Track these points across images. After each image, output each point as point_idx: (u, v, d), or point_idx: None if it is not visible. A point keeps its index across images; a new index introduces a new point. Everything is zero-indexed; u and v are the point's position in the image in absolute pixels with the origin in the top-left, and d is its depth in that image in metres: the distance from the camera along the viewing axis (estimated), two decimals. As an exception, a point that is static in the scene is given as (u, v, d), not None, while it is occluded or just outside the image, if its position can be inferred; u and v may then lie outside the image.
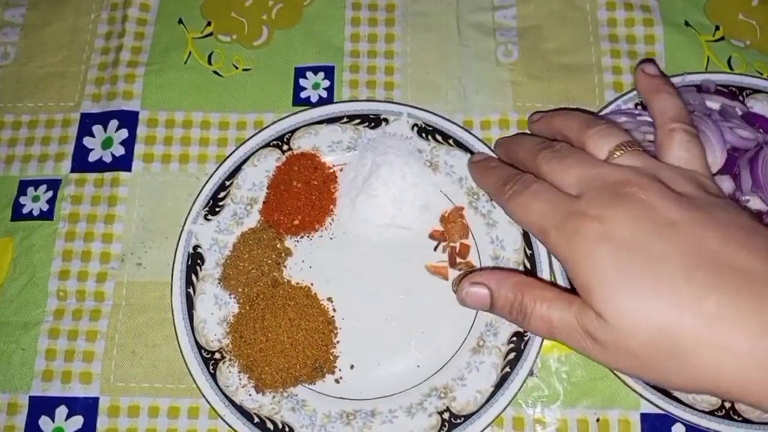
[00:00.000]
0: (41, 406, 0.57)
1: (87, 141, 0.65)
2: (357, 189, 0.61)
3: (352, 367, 0.57)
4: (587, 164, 0.47)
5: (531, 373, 0.55)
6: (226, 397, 0.55)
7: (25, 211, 0.63)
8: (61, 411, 0.57)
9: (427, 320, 0.58)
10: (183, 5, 0.70)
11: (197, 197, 0.61)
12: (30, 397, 0.57)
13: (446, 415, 0.54)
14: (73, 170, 0.64)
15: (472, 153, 0.61)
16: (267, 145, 0.62)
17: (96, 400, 0.57)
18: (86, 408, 0.57)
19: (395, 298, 0.59)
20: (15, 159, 0.65)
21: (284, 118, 0.63)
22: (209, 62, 0.68)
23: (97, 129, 0.66)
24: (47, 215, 0.63)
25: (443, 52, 0.67)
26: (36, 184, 0.64)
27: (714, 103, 0.60)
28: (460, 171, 0.61)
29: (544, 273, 0.57)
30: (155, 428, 0.57)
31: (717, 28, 0.67)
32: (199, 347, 0.57)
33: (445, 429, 0.54)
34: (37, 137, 0.66)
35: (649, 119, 0.59)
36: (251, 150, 0.62)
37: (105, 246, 0.62)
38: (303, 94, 0.66)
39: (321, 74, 0.67)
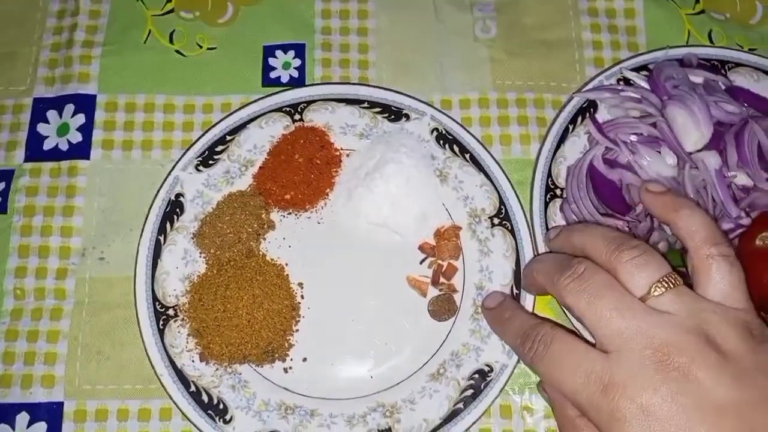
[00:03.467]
0: (0, 414, 0.54)
1: (41, 128, 0.61)
2: (358, 180, 0.58)
3: (304, 359, 0.54)
4: (626, 312, 0.40)
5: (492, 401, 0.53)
6: (169, 357, 0.53)
7: (-25, 204, 0.59)
8: (22, 418, 0.54)
9: (393, 333, 0.55)
10: (141, -19, 0.66)
11: (192, 144, 0.58)
12: (-13, 404, 0.54)
13: None
14: (26, 159, 0.60)
15: (486, 173, 0.57)
16: (279, 109, 0.59)
17: (60, 404, 0.54)
18: (50, 414, 0.54)
19: (367, 301, 0.56)
20: (-38, 149, 0.60)
21: (304, 86, 0.60)
22: (171, 41, 0.64)
23: (51, 114, 0.61)
24: (0, 209, 0.58)
25: (419, 29, 0.64)
26: (-14, 175, 0.60)
27: (697, 78, 0.58)
28: (468, 188, 0.58)
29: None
30: (125, 432, 0.53)
31: (697, 1, 0.65)
32: (155, 299, 0.54)
33: None
34: (-14, 125, 0.61)
35: (633, 95, 0.58)
36: (261, 110, 0.59)
37: (64, 240, 0.58)
38: (273, 74, 0.63)
39: (291, 53, 0.63)
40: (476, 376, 0.53)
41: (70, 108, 0.61)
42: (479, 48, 0.64)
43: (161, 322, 0.54)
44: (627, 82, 0.60)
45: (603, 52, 0.64)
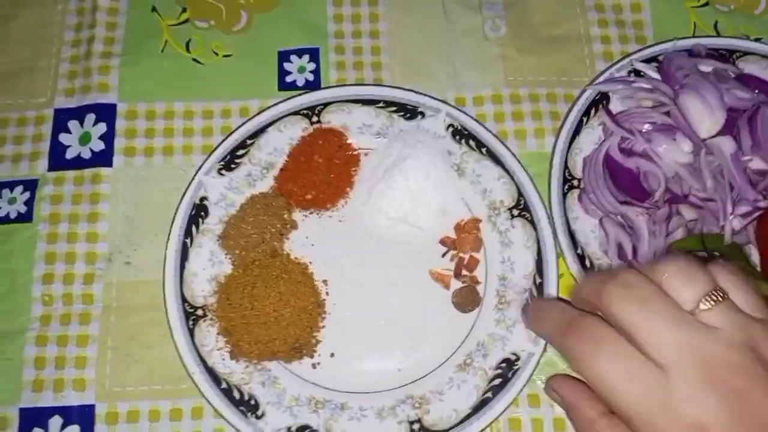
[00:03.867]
0: (33, 418, 0.54)
1: (63, 137, 0.62)
2: (377, 177, 0.59)
3: (332, 355, 0.55)
4: (679, 324, 0.38)
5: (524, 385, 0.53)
6: (200, 355, 0.54)
7: (1, 214, 0.59)
8: (55, 422, 0.54)
9: (419, 326, 0.56)
10: (156, -8, 0.67)
11: (214, 149, 0.59)
12: (20, 409, 0.54)
13: (416, 426, 0.53)
14: (50, 169, 0.61)
15: (503, 166, 0.58)
16: (296, 112, 0.60)
17: (92, 407, 0.54)
18: (82, 416, 0.54)
19: (391, 296, 0.57)
20: (-14, 161, 0.61)
21: (320, 89, 0.61)
22: (187, 50, 0.65)
23: (73, 124, 0.62)
24: (26, 217, 0.59)
25: (429, 30, 0.66)
26: (11, 185, 0.60)
27: (706, 67, 0.59)
28: (486, 182, 0.59)
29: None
30: (157, 432, 0.54)
31: (701, -7, 0.67)
32: (184, 300, 0.55)
33: None
34: (9, 136, 0.62)
35: (645, 85, 0.59)
36: (280, 114, 0.60)
37: (90, 246, 0.59)
38: (288, 79, 0.64)
39: (306, 57, 0.65)
40: (503, 365, 0.54)
41: (91, 117, 0.62)
42: (490, 46, 0.65)
43: (191, 323, 0.55)
44: (637, 73, 0.61)
45: (612, 47, 0.65)
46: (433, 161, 0.58)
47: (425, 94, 0.61)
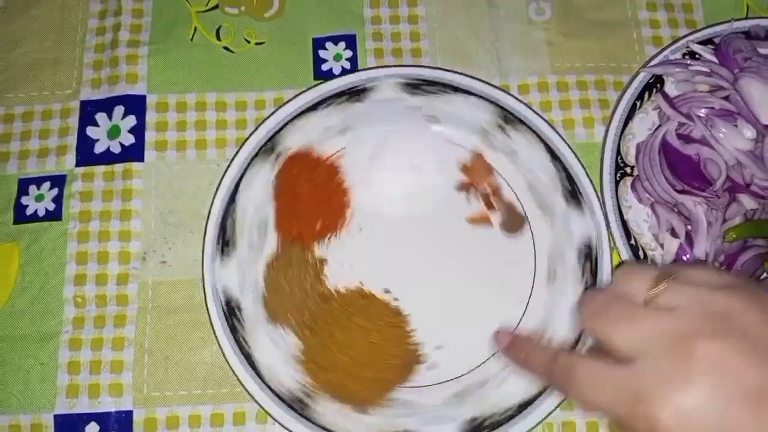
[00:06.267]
0: (69, 425, 0.52)
1: (91, 131, 0.59)
2: (366, 169, 0.56)
3: (439, 347, 0.53)
4: (635, 317, 0.39)
5: None
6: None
7: (29, 212, 0.57)
8: (92, 428, 0.52)
9: (488, 275, 0.55)
10: (183, -23, 0.64)
11: (204, 240, 0.53)
12: (55, 415, 0.52)
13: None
14: (78, 164, 0.58)
15: (467, 93, 0.56)
16: (255, 156, 0.55)
17: (130, 413, 0.52)
18: (119, 423, 0.52)
19: (449, 261, 0.55)
20: (11, 156, 0.58)
21: (265, 120, 0.56)
22: (218, 37, 0.62)
23: (100, 117, 0.59)
24: (55, 215, 0.57)
25: (471, 14, 0.63)
26: (38, 181, 0.58)
27: (765, 50, 0.57)
28: (462, 114, 0.57)
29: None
30: (198, 439, 0.52)
31: (754, -27, 0.64)
32: (279, 396, 0.50)
33: None
34: (34, 130, 0.59)
35: (702, 68, 0.56)
36: (240, 170, 0.55)
37: (123, 245, 0.56)
38: (324, 67, 0.61)
39: (342, 44, 0.62)
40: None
41: (119, 110, 0.60)
42: (535, 31, 0.62)
43: (300, 410, 0.51)
44: (693, 56, 0.58)
45: (661, 31, 0.62)
46: (407, 124, 0.56)
47: (358, 70, 0.58)
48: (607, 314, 0.40)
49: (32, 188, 0.57)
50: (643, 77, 0.57)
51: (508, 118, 0.57)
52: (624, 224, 0.55)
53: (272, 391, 0.50)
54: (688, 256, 0.54)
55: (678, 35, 0.61)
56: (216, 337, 0.51)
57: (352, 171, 0.57)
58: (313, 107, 0.56)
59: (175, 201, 0.57)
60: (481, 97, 0.57)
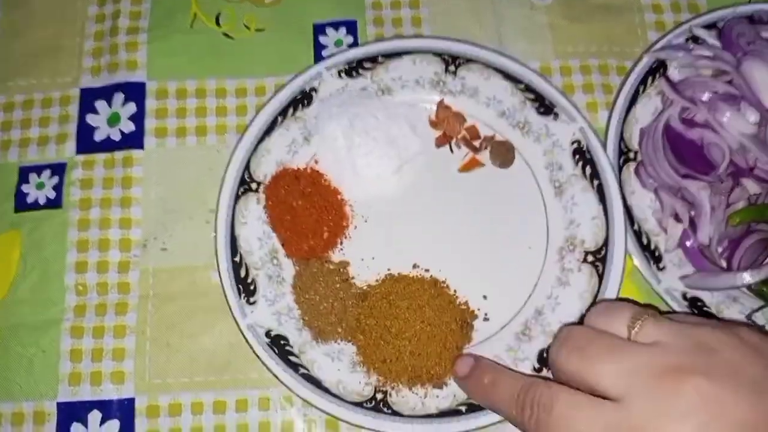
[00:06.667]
0: (71, 413, 0.52)
1: (90, 119, 0.59)
2: (346, 161, 0.56)
3: (485, 297, 0.53)
4: (616, 352, 0.38)
5: None
6: (426, 416, 0.50)
7: (29, 200, 0.57)
8: (95, 416, 0.52)
9: (499, 211, 0.56)
10: (182, -37, 0.64)
11: (224, 294, 0.52)
12: (58, 403, 0.52)
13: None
14: (78, 152, 0.58)
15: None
16: (237, 197, 0.54)
17: (132, 401, 0.52)
18: (122, 410, 0.52)
19: (459, 215, 0.56)
20: (12, 144, 0.58)
21: (230, 161, 0.55)
22: (218, 23, 0.62)
23: (100, 105, 0.59)
24: (55, 203, 0.57)
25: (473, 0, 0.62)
26: (38, 169, 0.58)
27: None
28: (409, 75, 0.57)
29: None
30: (201, 426, 0.51)
31: (757, -43, 0.63)
32: (356, 404, 0.50)
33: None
34: (34, 118, 0.59)
35: (706, 53, 0.56)
36: (228, 213, 0.54)
37: (124, 232, 0.56)
38: (325, 53, 0.61)
39: (343, 30, 0.61)
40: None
41: (119, 97, 0.59)
42: (537, 15, 0.62)
43: (383, 406, 0.51)
44: (696, 41, 0.58)
45: (664, 16, 0.62)
46: (363, 107, 0.56)
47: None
48: (590, 350, 0.39)
49: (33, 176, 0.57)
50: (646, 62, 0.57)
51: (455, 61, 0.58)
52: (628, 210, 0.54)
53: (348, 401, 0.50)
54: (691, 240, 0.53)
55: (681, 20, 0.61)
56: (275, 375, 0.50)
57: (334, 169, 0.56)
58: (268, 131, 0.56)
59: (175, 188, 0.57)
60: (418, 52, 0.58)
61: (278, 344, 0.51)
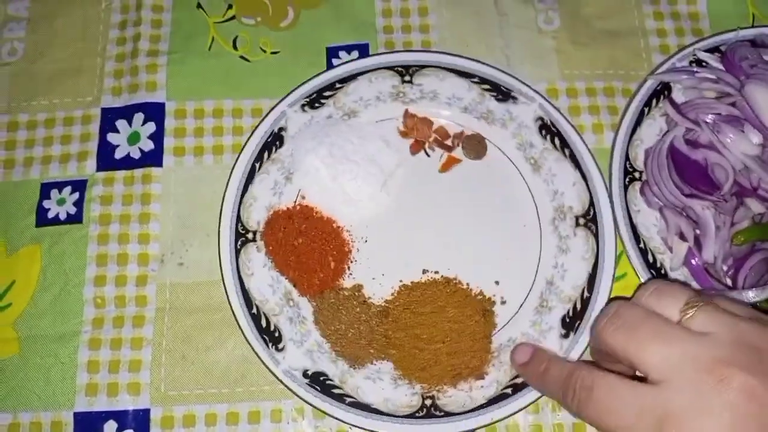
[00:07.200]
0: (88, 423, 0.53)
1: (111, 137, 0.61)
2: (333, 189, 0.57)
3: (497, 282, 0.56)
4: (668, 337, 0.38)
5: None
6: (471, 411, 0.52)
7: (50, 215, 0.58)
8: (110, 426, 0.53)
9: (487, 199, 0.58)
10: (201, -11, 0.66)
11: (252, 348, 0.53)
12: (75, 413, 0.53)
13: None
14: (99, 169, 0.60)
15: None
16: (238, 250, 0.55)
17: (147, 411, 0.53)
18: (137, 421, 0.53)
19: (452, 213, 0.58)
20: (34, 161, 0.60)
21: (220, 219, 0.56)
22: (234, 47, 0.64)
23: (121, 124, 0.61)
24: (76, 218, 0.58)
25: (481, 23, 0.64)
26: (60, 186, 0.59)
27: (771, 57, 0.58)
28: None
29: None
30: (214, 437, 0.53)
31: (759, -17, 0.65)
32: (407, 416, 0.52)
33: None
34: (56, 136, 0.61)
35: (709, 75, 0.57)
36: (233, 268, 0.54)
37: (142, 247, 0.57)
38: (338, 75, 0.62)
39: (355, 53, 0.63)
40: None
41: (139, 117, 0.61)
42: (544, 39, 0.63)
43: (423, 412, 0.52)
44: (699, 64, 0.59)
45: (668, 39, 0.63)
46: (329, 136, 0.58)
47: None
48: (639, 330, 0.39)
49: (54, 192, 0.59)
50: (650, 84, 0.59)
51: (408, 71, 0.60)
52: (633, 228, 0.56)
53: (399, 416, 0.51)
54: (696, 259, 0.54)
55: (685, 43, 0.62)
56: (329, 415, 0.51)
57: (323, 200, 0.58)
58: (249, 179, 0.57)
59: (192, 205, 0.59)
60: (372, 70, 0.60)
61: (318, 381, 0.52)
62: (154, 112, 0.61)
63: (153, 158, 0.60)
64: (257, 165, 0.58)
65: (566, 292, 0.55)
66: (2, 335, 0.55)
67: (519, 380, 0.52)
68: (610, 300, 0.53)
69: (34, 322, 0.56)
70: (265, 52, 0.64)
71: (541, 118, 0.58)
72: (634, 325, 0.39)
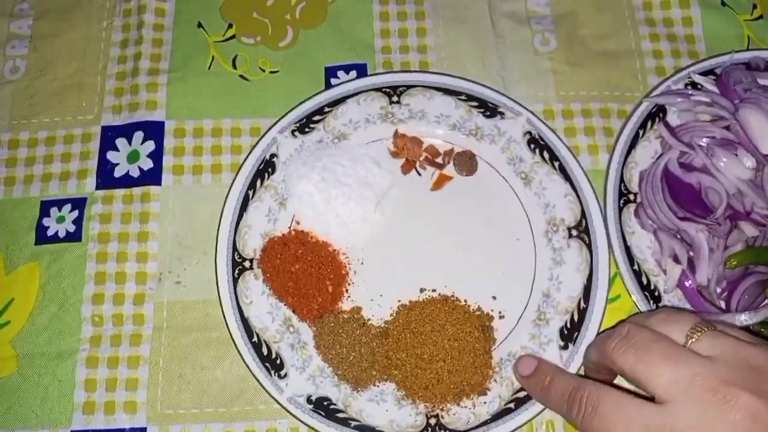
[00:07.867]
0: (85, 441, 0.53)
1: (111, 155, 0.61)
2: (328, 214, 0.58)
3: (494, 297, 0.56)
4: (675, 358, 0.39)
5: None
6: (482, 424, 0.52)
7: (50, 233, 0.59)
8: (107, 444, 0.53)
9: (480, 215, 0.59)
10: (201, 8, 0.67)
11: (254, 377, 0.53)
12: (72, 431, 0.53)
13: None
14: (98, 187, 0.60)
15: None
16: (235, 279, 0.55)
17: (143, 430, 0.53)
18: (133, 440, 0.53)
19: (446, 231, 0.58)
20: (34, 179, 0.61)
21: (217, 250, 0.57)
22: (234, 66, 0.65)
23: (120, 142, 0.62)
24: (75, 236, 0.59)
25: (478, 44, 0.65)
26: (59, 204, 0.60)
27: (766, 81, 0.58)
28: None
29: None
30: (209, 456, 0.53)
31: (754, 6, 0.66)
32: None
33: None
34: (56, 154, 0.62)
35: (704, 99, 0.58)
36: (231, 297, 0.55)
37: (140, 266, 0.58)
38: (336, 94, 0.63)
39: (353, 73, 0.64)
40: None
41: (139, 135, 0.62)
42: (540, 60, 0.64)
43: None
44: (695, 86, 0.60)
45: (664, 61, 0.64)
46: (320, 160, 0.58)
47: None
48: (649, 351, 0.40)
49: (53, 210, 0.60)
50: (646, 106, 0.59)
51: (396, 91, 0.61)
52: (627, 250, 0.56)
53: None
54: (690, 281, 0.55)
55: (680, 65, 0.63)
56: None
57: (317, 224, 0.58)
58: (243, 208, 0.58)
59: (190, 224, 0.59)
60: (360, 92, 0.61)
61: (322, 406, 0.52)
62: (154, 131, 0.62)
63: (152, 177, 0.60)
64: (251, 192, 0.58)
65: (563, 303, 0.55)
66: (0, 353, 0.56)
67: (521, 394, 0.52)
68: (617, 323, 0.53)
69: (32, 340, 0.56)
70: (264, 71, 0.64)
71: (530, 132, 0.59)
72: (645, 347, 0.41)
